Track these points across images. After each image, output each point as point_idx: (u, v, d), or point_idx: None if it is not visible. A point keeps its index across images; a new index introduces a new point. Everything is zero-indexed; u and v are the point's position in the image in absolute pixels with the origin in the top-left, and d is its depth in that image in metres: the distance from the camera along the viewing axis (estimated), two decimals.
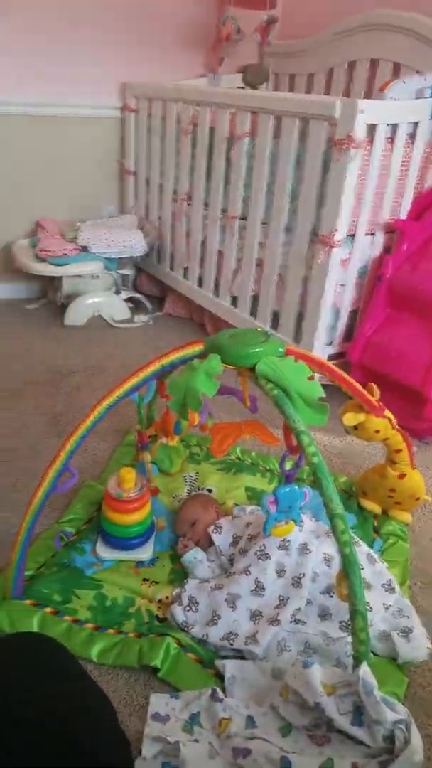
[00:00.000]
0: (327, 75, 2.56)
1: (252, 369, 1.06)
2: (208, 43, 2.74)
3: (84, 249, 2.44)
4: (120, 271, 2.62)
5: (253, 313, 2.14)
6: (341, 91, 2.48)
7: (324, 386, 1.09)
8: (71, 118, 2.57)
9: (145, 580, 1.23)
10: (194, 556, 1.23)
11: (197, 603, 1.13)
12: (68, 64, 2.48)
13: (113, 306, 2.59)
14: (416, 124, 1.73)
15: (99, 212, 2.84)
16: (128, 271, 2.71)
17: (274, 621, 1.08)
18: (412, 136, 1.75)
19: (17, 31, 2.33)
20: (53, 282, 2.61)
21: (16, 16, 2.31)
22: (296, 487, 1.06)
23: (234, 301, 2.23)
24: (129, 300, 2.72)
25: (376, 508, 1.44)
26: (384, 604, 1.14)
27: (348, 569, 0.92)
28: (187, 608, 1.13)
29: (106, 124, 2.70)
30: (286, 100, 1.78)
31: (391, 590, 1.16)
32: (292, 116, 1.74)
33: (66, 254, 2.41)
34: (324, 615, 1.12)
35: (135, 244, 2.47)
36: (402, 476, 1.34)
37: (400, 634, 1.08)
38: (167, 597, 1.18)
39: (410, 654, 1.06)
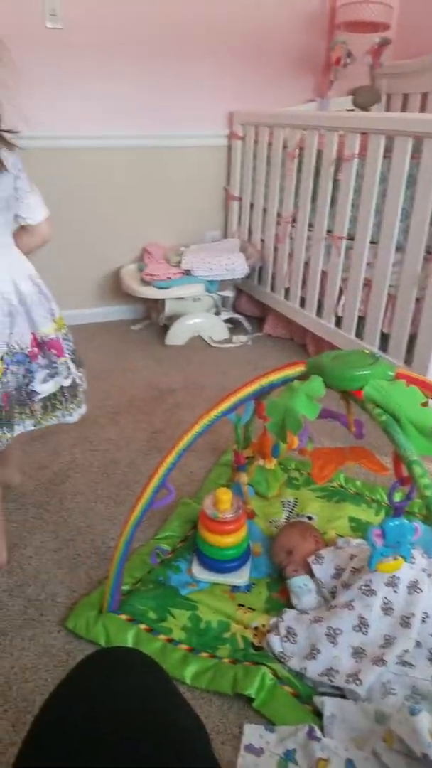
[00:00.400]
0: None
1: (358, 393, 1.02)
2: (318, 68, 2.75)
3: (187, 272, 2.52)
4: (220, 293, 2.67)
5: (360, 334, 2.07)
6: None
7: None
8: (180, 148, 2.68)
9: (240, 605, 1.20)
10: (304, 582, 1.18)
11: (295, 634, 1.08)
12: (178, 95, 2.59)
13: (213, 326, 2.63)
14: None
15: (203, 237, 2.91)
16: (229, 293, 2.74)
17: (379, 661, 1.01)
18: None
19: (130, 64, 2.46)
20: (157, 304, 2.71)
21: (129, 49, 2.44)
22: (406, 521, 0.99)
23: (338, 321, 2.18)
24: (228, 321, 2.75)
25: None
26: None
27: None
28: (285, 639, 1.08)
29: (213, 152, 2.78)
30: (399, 120, 1.73)
31: None
32: (404, 136, 1.69)
33: (170, 278, 2.50)
34: None
35: (237, 267, 2.50)
36: None
37: None
38: (263, 625, 1.14)
39: None
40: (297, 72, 2.76)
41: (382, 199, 1.85)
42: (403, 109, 2.73)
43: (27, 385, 1.19)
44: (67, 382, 1.25)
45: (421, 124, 1.64)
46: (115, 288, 2.80)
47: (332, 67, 2.63)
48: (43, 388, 1.21)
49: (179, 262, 2.58)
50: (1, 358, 1.13)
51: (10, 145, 1.12)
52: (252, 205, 2.71)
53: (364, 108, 2.72)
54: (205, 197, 2.87)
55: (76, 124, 2.47)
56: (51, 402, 1.24)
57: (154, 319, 2.80)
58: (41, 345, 1.20)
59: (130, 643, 1.11)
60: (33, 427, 1.24)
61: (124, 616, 1.15)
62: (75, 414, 1.31)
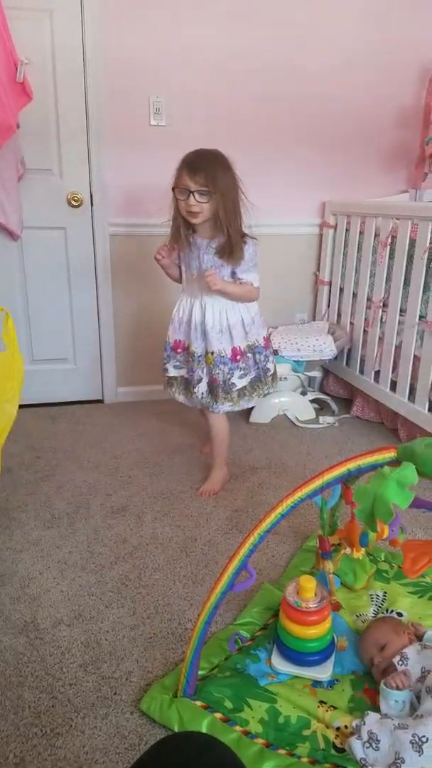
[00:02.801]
0: None
1: None
2: (412, 161, 2.85)
3: (275, 353, 2.56)
4: (307, 373, 2.68)
5: None
6: None
7: None
8: (274, 236, 2.80)
9: (322, 702, 1.13)
10: (403, 699, 1.09)
11: (378, 740, 1.00)
12: (274, 187, 2.74)
13: (299, 406, 2.63)
14: None
15: (291, 319, 2.98)
16: (316, 373, 2.76)
17: None
18: None
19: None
20: None
21: (227, 141, 2.62)
22: None
23: None
24: (315, 401, 2.74)
25: None
26: None
27: None
28: (367, 744, 1.00)
29: (305, 240, 2.90)
30: None
31: None
32: None
33: None
34: None
35: (324, 348, 2.53)
36: None
37: None
38: (346, 726, 1.06)
39: None
40: (391, 164, 2.86)
41: None
42: None
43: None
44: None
45: None
46: None
47: (426, 161, 2.71)
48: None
49: None
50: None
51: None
52: (342, 290, 2.76)
53: None
54: (295, 282, 2.96)
55: None
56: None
57: None
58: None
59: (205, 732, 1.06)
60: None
61: (199, 703, 1.12)
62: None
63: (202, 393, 1.95)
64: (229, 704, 1.12)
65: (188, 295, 1.95)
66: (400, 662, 1.14)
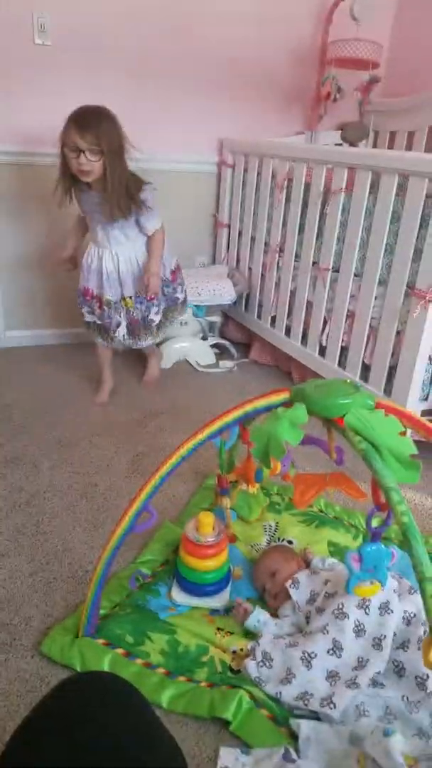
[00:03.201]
0: (428, 133, 2.57)
1: (339, 420, 1.04)
2: (308, 102, 2.84)
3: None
4: (207, 318, 2.69)
5: (342, 364, 2.11)
6: None
7: (416, 443, 1.04)
8: (169, 172, 2.70)
9: (219, 629, 1.20)
10: (257, 620, 1.19)
11: (271, 659, 1.09)
12: (170, 121, 2.64)
13: (199, 351, 2.66)
14: None
15: (192, 262, 2.95)
16: (215, 318, 2.77)
17: (353, 684, 1.02)
18: None
19: (121, 83, 2.49)
20: None
21: (120, 68, 2.48)
22: (383, 546, 1.00)
23: (322, 351, 2.21)
24: (215, 346, 2.77)
25: None
26: None
27: None
28: (261, 664, 1.08)
29: (203, 179, 2.83)
30: (385, 157, 1.79)
31: None
32: (390, 173, 1.75)
33: None
34: (399, 671, 1.05)
35: (224, 293, 2.54)
36: None
37: None
38: (241, 649, 1.14)
39: None
40: (287, 104, 2.84)
41: (367, 233, 1.90)
42: (390, 146, 2.82)
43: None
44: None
45: (406, 162, 1.69)
46: None
47: (322, 102, 2.71)
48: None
49: None
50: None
51: None
52: (240, 233, 2.76)
53: (352, 143, 2.80)
54: (194, 223, 2.91)
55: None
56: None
57: None
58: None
59: (106, 668, 1.10)
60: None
61: (100, 641, 1.14)
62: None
63: (123, 335, 2.10)
64: (130, 639, 1.15)
65: (96, 245, 2.01)
66: (292, 586, 1.23)
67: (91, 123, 1.75)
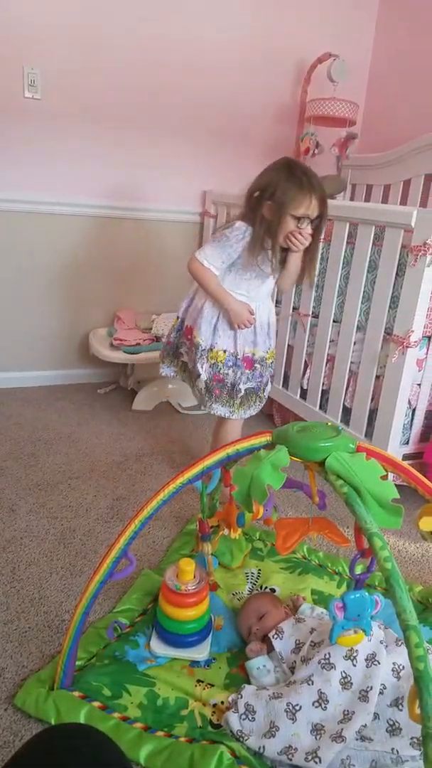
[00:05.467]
0: (403, 186, 2.69)
1: (321, 464, 1.04)
2: (288, 155, 2.95)
3: (157, 339, 2.57)
4: None
5: (323, 407, 2.13)
6: (417, 202, 2.59)
7: (398, 487, 1.05)
8: (155, 222, 2.80)
9: (199, 681, 1.16)
10: (263, 664, 1.16)
11: (254, 711, 1.05)
12: (156, 174, 2.73)
13: (181, 393, 2.66)
14: None
15: (175, 307, 2.98)
16: None
17: (338, 737, 0.99)
18: None
19: (109, 139, 2.58)
20: (126, 369, 2.73)
21: (113, 122, 2.58)
22: (366, 594, 0.99)
23: (304, 394, 2.23)
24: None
25: None
26: None
27: (422, 686, 0.83)
28: (244, 716, 1.05)
29: (186, 227, 2.91)
30: (363, 209, 1.86)
31: None
32: (368, 224, 1.81)
33: (139, 344, 2.55)
34: (393, 730, 1.01)
35: None
36: None
37: None
38: (222, 702, 1.10)
39: None
40: (269, 158, 2.91)
41: (346, 281, 1.95)
42: (367, 198, 2.93)
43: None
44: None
45: (383, 214, 1.76)
46: (83, 351, 2.84)
47: (301, 157, 2.83)
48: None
49: (150, 329, 2.63)
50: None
51: None
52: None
53: (330, 196, 2.90)
54: (178, 269, 2.95)
55: (62, 192, 2.57)
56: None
57: (123, 383, 2.82)
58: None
59: (82, 722, 1.05)
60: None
61: (76, 693, 1.10)
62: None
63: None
64: (107, 692, 1.11)
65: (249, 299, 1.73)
66: (275, 636, 1.20)
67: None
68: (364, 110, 2.98)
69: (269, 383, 1.82)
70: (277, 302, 2.35)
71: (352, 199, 3.02)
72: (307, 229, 1.54)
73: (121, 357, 2.51)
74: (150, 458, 2.15)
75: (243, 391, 1.74)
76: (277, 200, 1.51)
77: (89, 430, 2.37)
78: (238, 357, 1.72)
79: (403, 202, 2.70)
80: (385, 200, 2.81)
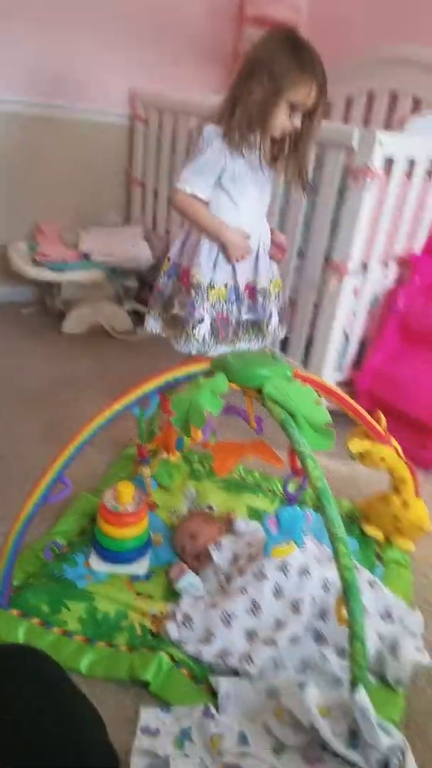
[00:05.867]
0: (345, 104, 2.60)
1: (259, 390, 1.06)
2: (225, 60, 2.76)
3: (85, 256, 2.43)
4: (123, 282, 2.62)
5: None
6: (360, 121, 2.52)
7: (331, 412, 1.09)
8: (78, 122, 2.55)
9: (139, 594, 1.21)
10: (189, 581, 1.21)
11: (192, 620, 1.12)
12: (79, 67, 2.46)
13: (115, 316, 2.59)
14: None
15: (103, 220, 2.83)
16: (132, 283, 2.71)
17: (271, 642, 1.08)
18: (430, 173, 1.77)
19: (30, 29, 2.31)
20: (51, 288, 2.59)
21: (30, 13, 2.29)
22: (299, 510, 1.05)
23: None
24: (132, 312, 2.71)
25: (378, 535, 1.45)
26: (378, 632, 1.12)
27: (349, 594, 0.91)
28: (182, 625, 1.11)
29: (114, 132, 2.68)
30: None
31: (389, 618, 1.15)
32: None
33: (66, 261, 2.39)
34: (318, 639, 1.11)
35: (141, 256, 2.47)
36: (406, 505, 1.34)
37: (389, 652, 1.08)
38: (161, 612, 1.17)
39: (398, 673, 1.05)
40: (203, 59, 2.72)
41: (287, 204, 1.91)
42: None
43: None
44: None
45: (323, 131, 1.70)
46: (2, 267, 2.62)
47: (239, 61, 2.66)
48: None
49: (77, 245, 2.48)
50: None
51: None
52: (156, 193, 2.67)
53: None
54: (106, 178, 2.76)
55: None
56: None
57: (49, 303, 2.67)
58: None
59: (21, 639, 1.08)
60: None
61: (14, 611, 1.13)
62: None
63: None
64: (46, 608, 1.14)
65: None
66: (214, 548, 1.27)
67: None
68: (307, 15, 2.81)
69: (274, 317, 1.62)
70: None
71: None
72: (297, 120, 1.36)
73: (49, 276, 2.36)
74: (83, 384, 2.11)
75: (244, 324, 1.60)
76: (275, 77, 1.30)
77: (15, 352, 2.28)
78: (240, 289, 1.56)
79: (345, 122, 2.62)
80: (326, 118, 2.71)
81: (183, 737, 0.94)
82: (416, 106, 2.23)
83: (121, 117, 2.67)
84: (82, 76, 2.50)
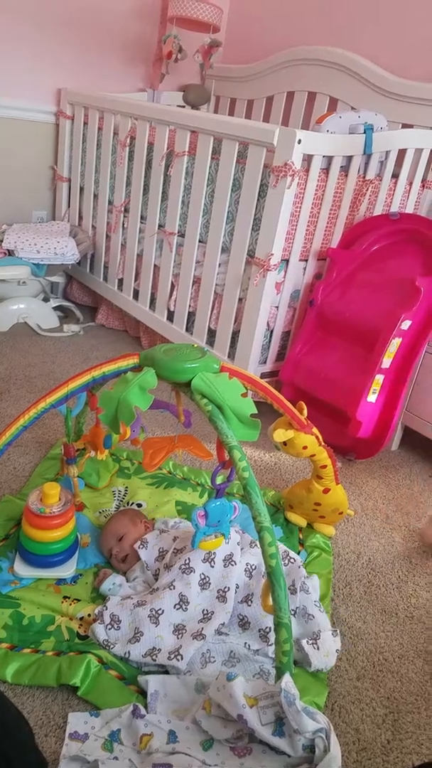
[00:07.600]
0: (266, 102, 2.65)
1: (187, 384, 1.06)
2: (149, 59, 2.76)
3: (10, 253, 2.36)
4: (49, 278, 2.55)
5: (190, 329, 2.14)
6: (279, 120, 2.58)
7: (256, 403, 1.10)
8: (2, 120, 2.50)
9: (66, 597, 1.18)
10: (112, 582, 1.20)
11: (119, 621, 1.10)
12: (3, 65, 2.42)
13: (41, 313, 2.52)
14: (350, 158, 1.81)
15: (28, 217, 2.76)
16: (58, 279, 2.64)
17: (198, 635, 1.08)
18: (346, 170, 1.83)
19: None
20: None
21: None
22: (226, 501, 1.06)
23: (171, 316, 2.22)
24: (59, 308, 2.65)
25: (301, 522, 1.48)
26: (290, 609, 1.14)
27: (274, 581, 0.93)
28: (109, 626, 1.09)
29: (40, 129, 2.64)
30: (226, 123, 1.81)
31: (293, 591, 1.18)
32: (231, 139, 1.77)
33: None
34: (243, 625, 1.13)
35: (66, 252, 2.42)
36: (327, 491, 1.38)
37: (310, 641, 1.10)
38: (89, 615, 1.14)
39: (321, 661, 1.08)
40: (129, 58, 2.73)
41: (211, 199, 1.92)
42: (231, 112, 2.86)
43: None
44: None
45: (245, 130, 1.72)
46: None
47: (164, 60, 2.65)
48: None
49: (1, 241, 2.40)
50: None
51: None
52: (82, 189, 2.63)
53: (194, 106, 2.80)
54: (31, 175, 2.71)
55: None
56: None
57: None
58: None
59: None
60: None
61: None
62: None
63: None
64: None
65: None
66: (140, 546, 1.25)
67: None
68: (228, 16, 2.84)
69: None
70: (142, 218, 2.27)
71: (216, 111, 2.92)
72: None
73: None
74: (7, 383, 2.04)
75: None
76: None
77: None
78: None
79: (266, 119, 2.67)
80: (248, 116, 2.77)
81: (112, 740, 0.92)
82: (332, 106, 2.34)
83: (47, 114, 2.63)
84: (6, 75, 2.44)
